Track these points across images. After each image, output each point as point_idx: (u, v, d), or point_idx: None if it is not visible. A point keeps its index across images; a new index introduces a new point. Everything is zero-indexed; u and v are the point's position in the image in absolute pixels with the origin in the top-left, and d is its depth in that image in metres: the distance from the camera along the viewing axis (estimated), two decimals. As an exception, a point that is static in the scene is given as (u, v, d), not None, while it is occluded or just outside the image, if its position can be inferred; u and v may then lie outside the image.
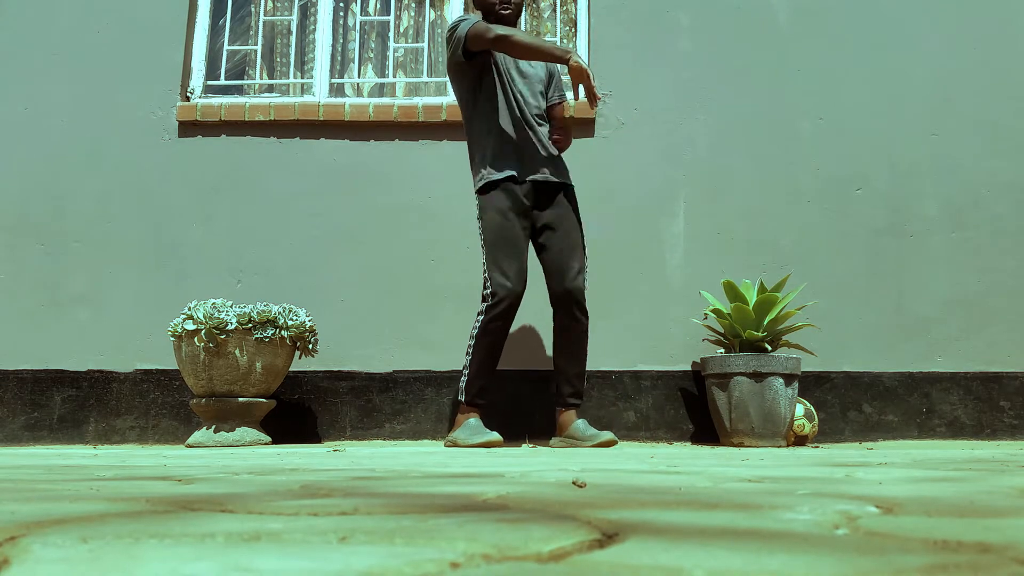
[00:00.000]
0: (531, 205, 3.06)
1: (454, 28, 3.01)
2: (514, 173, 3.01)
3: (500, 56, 3.09)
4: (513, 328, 3.62)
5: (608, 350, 3.67)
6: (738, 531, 0.67)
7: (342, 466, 1.68)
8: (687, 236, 3.78)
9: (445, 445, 3.02)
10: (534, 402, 3.62)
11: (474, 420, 2.97)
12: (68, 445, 3.60)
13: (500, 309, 2.92)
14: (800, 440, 3.36)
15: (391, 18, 4.21)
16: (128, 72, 3.98)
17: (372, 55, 4.22)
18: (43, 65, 4.00)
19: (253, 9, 4.25)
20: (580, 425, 2.99)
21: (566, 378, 3.05)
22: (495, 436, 2.88)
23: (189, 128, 3.93)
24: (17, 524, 0.70)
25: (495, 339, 2.95)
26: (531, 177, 3.03)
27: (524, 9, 4.16)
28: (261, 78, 4.17)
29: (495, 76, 3.08)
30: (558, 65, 3.19)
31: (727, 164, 3.83)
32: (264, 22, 4.22)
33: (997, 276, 3.73)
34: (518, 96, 3.08)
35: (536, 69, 3.18)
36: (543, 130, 3.11)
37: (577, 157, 3.63)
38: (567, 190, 3.12)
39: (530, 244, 3.11)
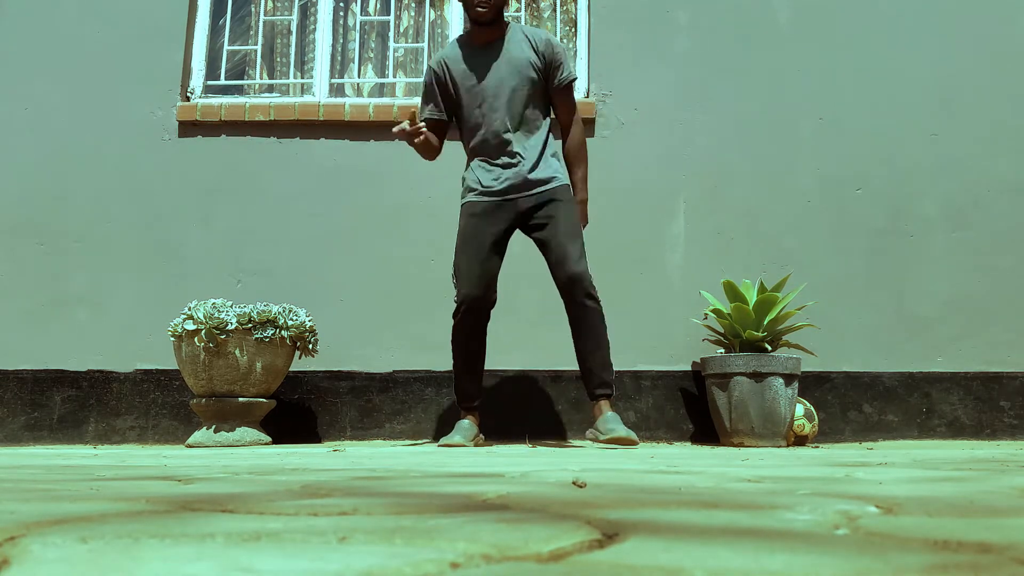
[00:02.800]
0: (510, 213, 2.99)
1: None
2: (488, 188, 2.99)
3: (459, 80, 3.02)
4: (512, 329, 3.62)
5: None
6: (738, 531, 0.67)
7: (342, 466, 1.68)
8: (687, 236, 3.78)
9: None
10: (534, 402, 3.62)
11: (465, 422, 3.00)
12: (68, 445, 3.60)
13: (460, 313, 2.94)
14: (800, 440, 3.36)
15: (391, 18, 4.21)
16: (128, 72, 3.98)
17: (372, 55, 4.22)
18: (43, 65, 4.00)
19: (253, 9, 4.25)
20: (607, 418, 2.83)
21: (588, 369, 2.91)
22: (458, 439, 2.89)
23: (189, 128, 3.93)
24: (17, 524, 0.70)
25: (464, 344, 2.97)
26: (509, 196, 2.97)
27: (523, 10, 4.16)
28: (261, 78, 4.17)
29: (460, 105, 3.05)
30: (548, 49, 3.02)
31: (727, 164, 3.83)
32: (264, 22, 4.22)
33: (997, 276, 3.73)
34: (485, 111, 2.99)
35: (504, 75, 2.98)
36: (520, 129, 2.99)
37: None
38: (561, 190, 3.00)
39: (498, 253, 3.01)
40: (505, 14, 3.15)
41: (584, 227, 3.07)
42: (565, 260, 2.88)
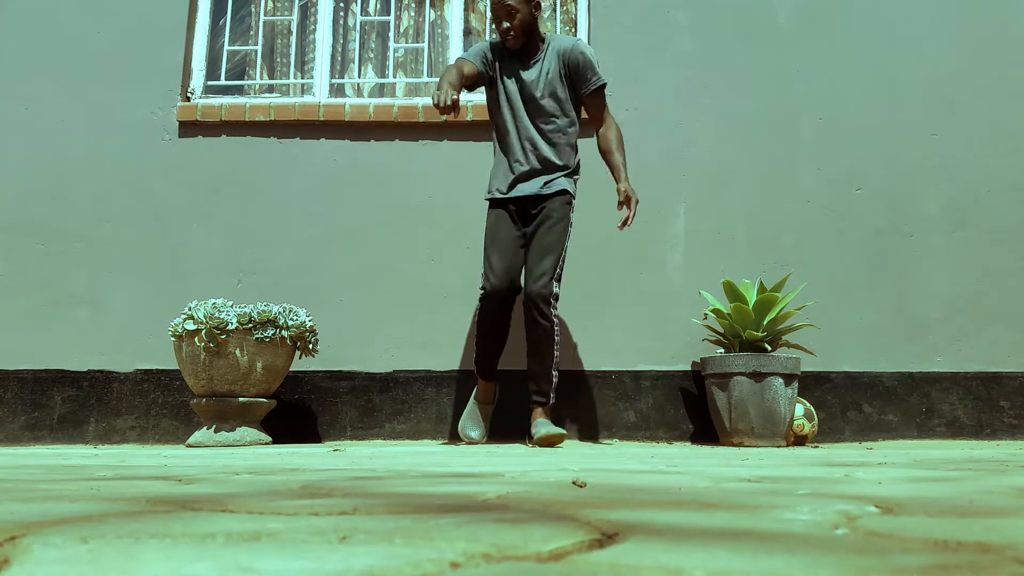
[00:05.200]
0: (521, 212, 3.21)
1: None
2: (503, 189, 3.20)
3: (499, 81, 3.22)
4: (512, 329, 3.61)
5: (608, 350, 3.67)
6: (738, 531, 0.67)
7: (342, 466, 1.68)
8: (687, 236, 3.78)
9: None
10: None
11: (471, 403, 3.30)
12: (68, 445, 3.60)
13: (483, 303, 3.12)
14: (800, 440, 3.36)
15: (391, 18, 4.21)
16: (128, 72, 3.98)
17: (372, 55, 4.22)
18: (43, 65, 4.00)
19: (253, 9, 4.25)
20: (537, 423, 3.05)
21: (529, 376, 3.14)
22: (473, 436, 3.24)
23: (189, 128, 3.93)
24: (17, 524, 0.70)
25: (486, 329, 3.14)
26: (513, 194, 3.19)
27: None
28: (261, 78, 4.17)
29: (498, 101, 3.24)
30: (576, 54, 3.21)
31: (727, 164, 3.83)
32: (264, 22, 4.22)
33: (997, 276, 3.73)
34: (516, 117, 3.21)
35: (538, 78, 3.20)
36: (544, 140, 3.20)
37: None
38: (563, 198, 3.19)
39: (520, 248, 3.22)
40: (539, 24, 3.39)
41: (636, 204, 3.16)
42: (529, 276, 3.09)
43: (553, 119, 3.20)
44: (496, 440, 3.54)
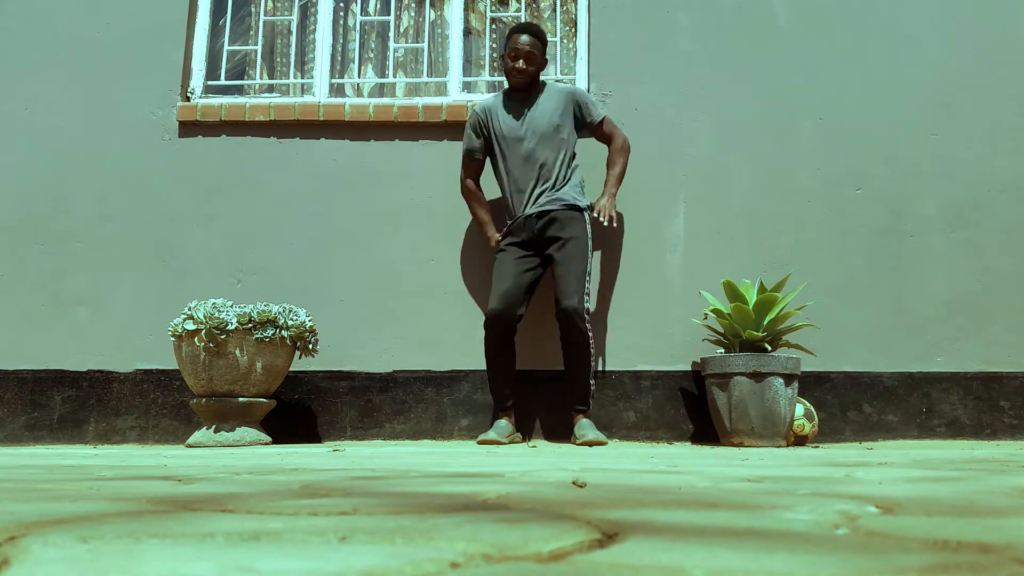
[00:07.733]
0: (532, 236, 3.39)
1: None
2: (515, 217, 3.42)
3: (494, 133, 3.50)
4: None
5: (608, 350, 3.67)
6: (738, 531, 0.67)
7: (342, 466, 1.68)
8: (687, 236, 3.78)
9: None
10: (535, 402, 3.62)
11: (502, 422, 3.35)
12: (68, 445, 3.60)
13: (487, 326, 3.33)
14: (800, 440, 3.36)
15: (391, 18, 4.21)
16: (128, 72, 3.98)
17: (372, 55, 4.22)
18: (43, 65, 4.00)
19: (253, 9, 4.25)
20: (581, 424, 3.28)
21: (570, 387, 3.36)
22: (492, 435, 3.23)
23: (189, 128, 3.93)
24: (17, 524, 0.70)
25: (491, 351, 3.33)
26: (526, 212, 3.40)
27: (524, 10, 4.16)
28: (261, 78, 4.17)
29: (495, 151, 3.52)
30: (574, 100, 3.51)
31: (727, 164, 3.83)
32: (264, 22, 4.22)
33: (997, 276, 3.73)
34: (517, 156, 3.44)
35: (535, 127, 3.43)
36: (546, 170, 3.41)
37: (578, 157, 3.63)
38: (571, 214, 3.38)
39: (533, 268, 3.43)
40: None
41: (611, 215, 3.43)
42: (562, 297, 3.27)
43: (553, 147, 3.41)
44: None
